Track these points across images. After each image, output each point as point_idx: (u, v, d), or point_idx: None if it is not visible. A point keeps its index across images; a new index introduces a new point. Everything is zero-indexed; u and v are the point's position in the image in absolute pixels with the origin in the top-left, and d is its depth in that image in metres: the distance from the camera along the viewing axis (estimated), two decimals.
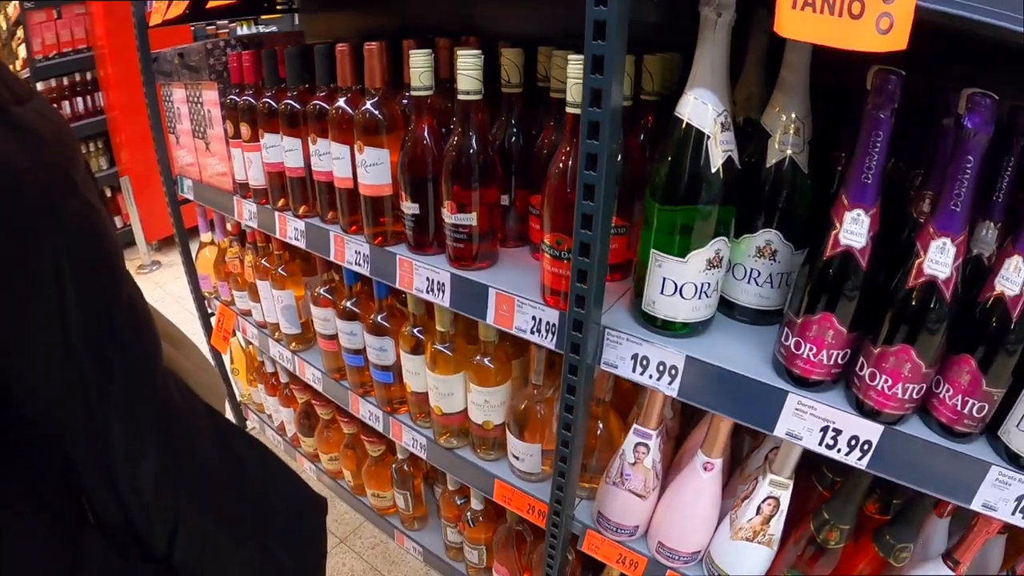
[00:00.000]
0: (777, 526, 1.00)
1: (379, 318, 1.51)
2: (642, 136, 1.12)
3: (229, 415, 2.20)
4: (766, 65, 1.01)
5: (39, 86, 4.33)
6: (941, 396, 0.80)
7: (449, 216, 1.15)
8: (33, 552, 0.58)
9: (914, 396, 0.79)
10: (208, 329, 2.41)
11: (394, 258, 1.28)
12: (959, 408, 0.78)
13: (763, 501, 0.97)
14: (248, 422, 2.68)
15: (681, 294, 0.92)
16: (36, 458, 0.62)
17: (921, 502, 0.93)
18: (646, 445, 1.07)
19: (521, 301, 1.09)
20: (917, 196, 0.88)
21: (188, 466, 0.71)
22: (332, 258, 1.46)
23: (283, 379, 2.25)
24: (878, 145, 0.74)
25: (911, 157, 0.94)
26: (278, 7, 2.35)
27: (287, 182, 1.55)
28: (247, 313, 2.16)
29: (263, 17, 4.27)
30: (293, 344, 1.97)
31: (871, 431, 0.82)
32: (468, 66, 1.04)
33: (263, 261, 1.88)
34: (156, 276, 4.41)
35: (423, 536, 1.95)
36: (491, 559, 1.73)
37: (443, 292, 1.22)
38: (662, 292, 0.94)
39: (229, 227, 2.12)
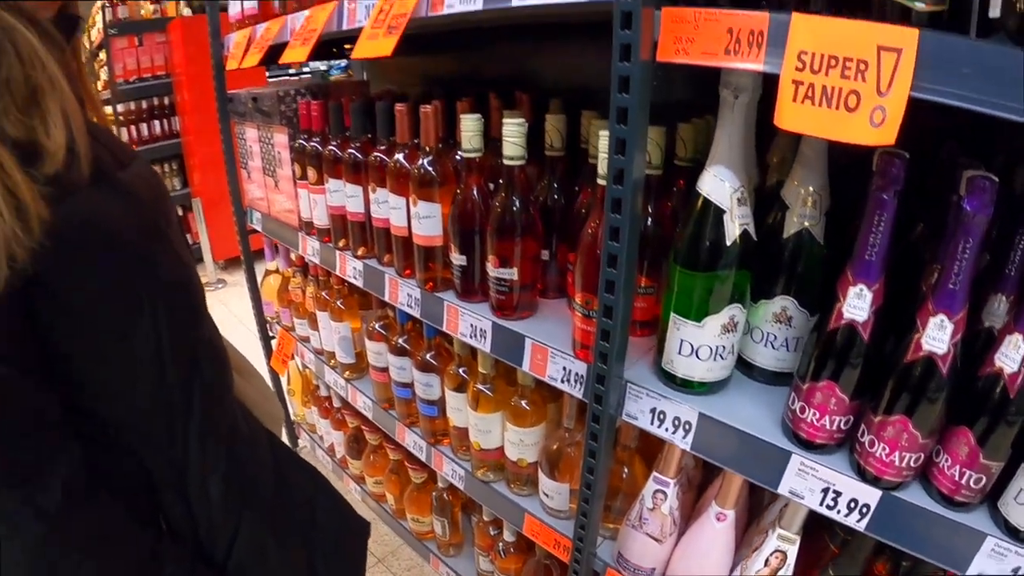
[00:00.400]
0: None
1: (427, 356, 1.59)
2: (674, 201, 1.16)
3: (284, 435, 2.34)
4: None
5: (119, 108, 4.62)
6: (940, 466, 0.82)
7: (492, 269, 1.24)
8: (131, 552, 0.70)
9: (912, 464, 0.82)
10: (268, 351, 2.53)
11: (442, 303, 1.37)
12: (957, 478, 0.79)
13: (771, 554, 1.00)
14: (300, 440, 2.78)
15: (697, 356, 0.98)
16: (128, 478, 0.72)
17: (929, 566, 0.93)
18: (664, 492, 1.13)
19: (554, 352, 1.17)
20: (928, 269, 0.89)
21: (249, 488, 0.81)
22: (387, 299, 1.55)
23: (336, 404, 2.32)
24: (882, 225, 0.78)
25: (935, 224, 0.93)
26: (346, 49, 2.41)
27: (348, 224, 1.64)
28: (306, 339, 2.25)
29: None
30: (347, 372, 2.05)
31: (870, 495, 0.84)
32: (512, 134, 1.11)
33: (323, 293, 1.98)
34: (221, 294, 4.59)
35: (457, 563, 1.99)
36: None
37: (485, 338, 1.30)
38: (680, 352, 1.00)
39: (293, 257, 2.20)
